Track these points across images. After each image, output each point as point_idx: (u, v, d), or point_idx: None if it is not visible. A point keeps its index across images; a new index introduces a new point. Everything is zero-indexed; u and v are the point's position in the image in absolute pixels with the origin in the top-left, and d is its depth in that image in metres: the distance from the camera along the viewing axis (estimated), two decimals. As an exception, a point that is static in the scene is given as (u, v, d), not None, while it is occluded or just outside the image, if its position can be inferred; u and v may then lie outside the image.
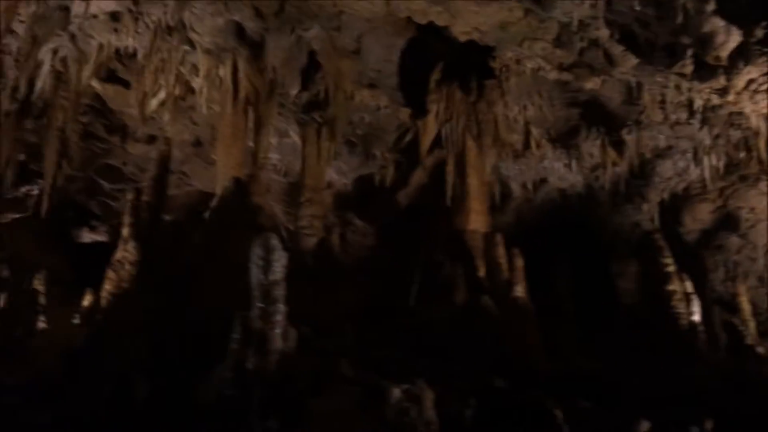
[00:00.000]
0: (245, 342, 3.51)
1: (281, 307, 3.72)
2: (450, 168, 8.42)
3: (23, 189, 10.62)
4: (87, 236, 13.21)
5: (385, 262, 8.98)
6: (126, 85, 8.53)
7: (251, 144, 7.58)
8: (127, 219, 5.59)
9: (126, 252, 5.27)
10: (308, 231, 7.50)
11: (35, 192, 10.77)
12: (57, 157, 7.84)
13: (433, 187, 10.19)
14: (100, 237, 13.09)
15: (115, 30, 6.97)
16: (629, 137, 8.37)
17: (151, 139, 9.61)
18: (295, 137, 8.59)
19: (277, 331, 3.60)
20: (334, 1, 6.33)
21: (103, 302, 5.08)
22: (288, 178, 9.66)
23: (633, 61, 6.26)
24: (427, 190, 10.60)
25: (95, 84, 8.26)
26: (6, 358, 5.23)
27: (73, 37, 7.09)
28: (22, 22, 6.59)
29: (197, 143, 9.76)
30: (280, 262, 3.81)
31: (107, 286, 5.13)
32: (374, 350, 5.62)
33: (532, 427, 4.15)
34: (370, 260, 9.44)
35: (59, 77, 7.80)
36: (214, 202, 7.11)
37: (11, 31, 6.87)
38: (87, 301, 5.98)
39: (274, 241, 3.88)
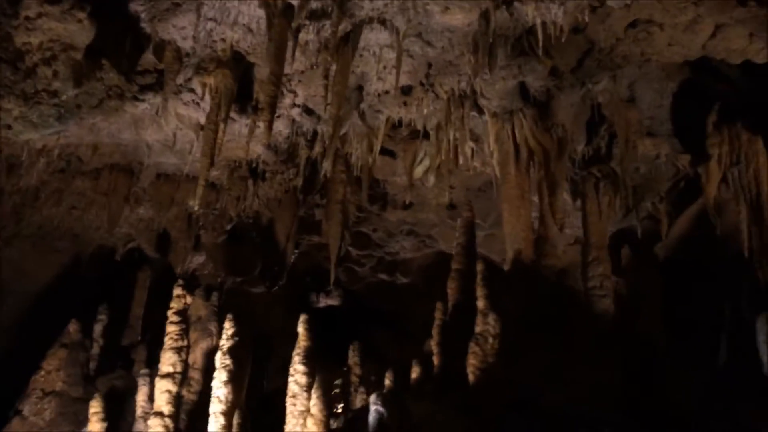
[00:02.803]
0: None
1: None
2: (744, 215, 7.67)
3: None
4: (323, 301, 13.77)
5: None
6: (391, 154, 8.84)
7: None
8: (481, 291, 5.55)
9: (487, 325, 5.21)
10: (600, 292, 7.10)
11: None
12: (341, 229, 8.19)
13: (699, 238, 9.47)
14: (334, 302, 13.61)
15: (405, 103, 7.21)
16: None
17: (407, 206, 9.86)
18: (565, 195, 8.33)
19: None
20: (642, 48, 6.07)
21: (471, 377, 5.02)
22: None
23: None
24: (690, 242, 9.88)
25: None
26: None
27: (362, 115, 7.44)
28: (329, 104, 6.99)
29: (451, 206, 9.85)
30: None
31: (472, 360, 5.07)
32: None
33: None
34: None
35: (338, 153, 8.25)
36: (507, 265, 6.99)
37: (310, 112, 7.36)
38: (415, 373, 5.98)
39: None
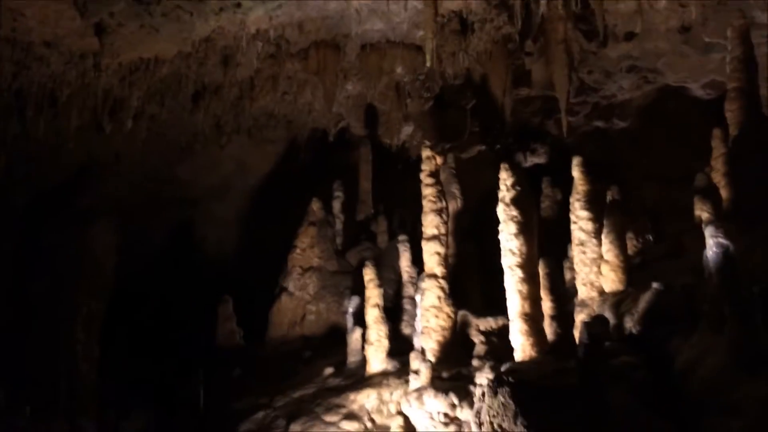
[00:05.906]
0: None
1: None
2: None
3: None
4: (529, 160, 13.12)
5: None
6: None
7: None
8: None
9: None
10: None
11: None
12: (568, 71, 7.42)
13: None
14: (540, 159, 12.88)
15: None
16: None
17: (630, 37, 8.70)
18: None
19: None
20: None
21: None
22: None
23: None
24: None
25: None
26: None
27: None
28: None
29: (684, 29, 8.52)
30: None
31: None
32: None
33: None
34: None
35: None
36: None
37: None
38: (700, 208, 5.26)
39: None
